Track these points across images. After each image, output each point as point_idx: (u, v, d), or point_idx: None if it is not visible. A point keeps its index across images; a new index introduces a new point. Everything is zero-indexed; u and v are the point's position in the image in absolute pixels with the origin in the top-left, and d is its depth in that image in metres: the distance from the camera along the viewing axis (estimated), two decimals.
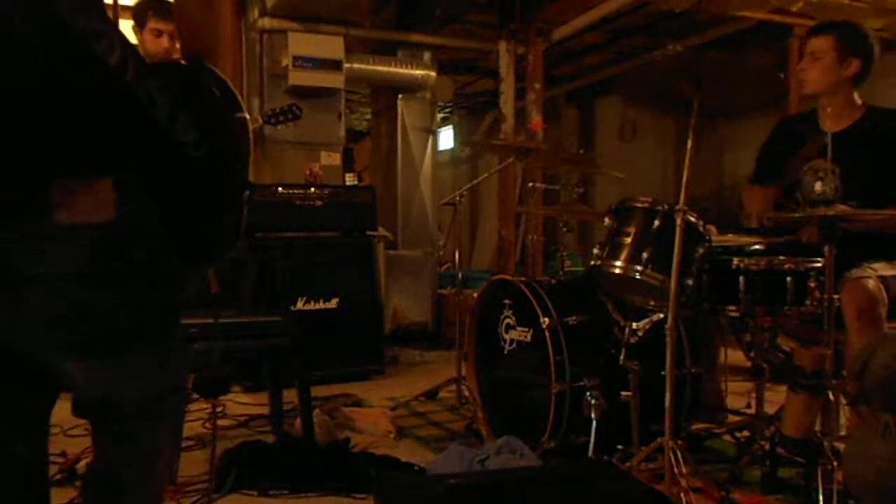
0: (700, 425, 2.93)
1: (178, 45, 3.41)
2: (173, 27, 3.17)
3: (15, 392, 1.17)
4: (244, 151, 1.24)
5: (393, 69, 5.52)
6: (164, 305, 1.24)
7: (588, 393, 2.52)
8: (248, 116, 1.24)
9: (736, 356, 3.03)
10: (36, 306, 1.09)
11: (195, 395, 2.48)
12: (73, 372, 1.17)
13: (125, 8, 3.48)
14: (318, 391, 3.17)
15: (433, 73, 5.66)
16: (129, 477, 1.26)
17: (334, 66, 4.88)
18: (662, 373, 2.27)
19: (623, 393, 2.48)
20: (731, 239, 2.71)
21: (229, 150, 1.20)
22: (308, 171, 4.41)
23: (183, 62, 1.22)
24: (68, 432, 2.70)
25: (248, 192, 1.25)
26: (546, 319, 2.56)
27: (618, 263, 2.44)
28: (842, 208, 2.24)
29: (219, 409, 3.41)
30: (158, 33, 3.21)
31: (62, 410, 1.30)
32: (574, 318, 2.61)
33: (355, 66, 5.26)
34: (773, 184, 2.78)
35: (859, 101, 2.69)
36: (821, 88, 2.68)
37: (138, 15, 3.27)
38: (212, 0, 1.19)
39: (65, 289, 1.09)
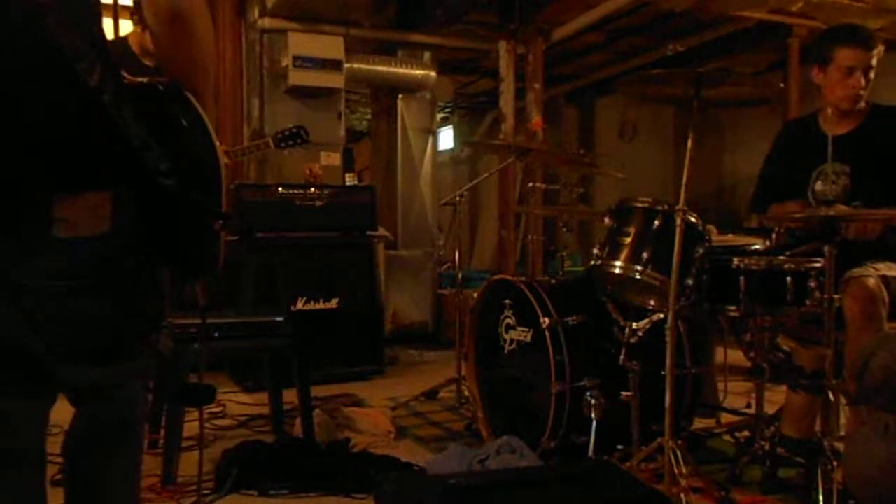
0: (700, 425, 2.93)
1: None
2: None
3: (15, 391, 1.18)
4: (216, 182, 1.25)
5: (393, 69, 5.51)
6: (150, 312, 1.29)
7: (588, 393, 2.52)
8: (219, 145, 1.25)
9: (736, 356, 3.03)
10: (33, 315, 1.12)
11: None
12: (67, 375, 1.21)
13: (125, 8, 3.48)
14: (318, 391, 3.17)
15: (433, 73, 5.66)
16: (115, 464, 1.37)
17: (334, 66, 4.89)
18: (662, 373, 2.27)
19: (623, 393, 2.48)
20: (731, 239, 2.71)
21: (200, 180, 1.22)
22: (308, 171, 4.41)
23: (161, 87, 1.23)
24: None
25: (220, 222, 1.25)
26: (546, 319, 2.56)
27: (618, 263, 2.44)
28: (842, 208, 2.24)
29: (219, 410, 3.41)
30: None
31: (62, 411, 1.31)
32: (574, 318, 2.61)
33: (355, 66, 5.26)
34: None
35: (864, 102, 2.69)
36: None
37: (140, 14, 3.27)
38: (188, 29, 1.19)
39: (61, 299, 1.13)
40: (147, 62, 3.39)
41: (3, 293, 1.10)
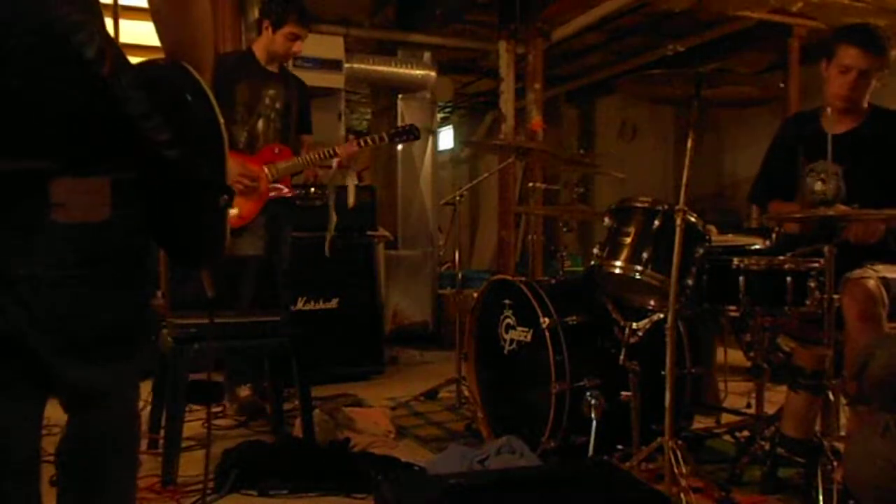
0: (700, 425, 2.93)
1: (295, 49, 3.42)
2: (307, 33, 3.34)
3: (6, 390, 1.16)
4: (219, 156, 1.21)
5: (393, 69, 5.52)
6: (146, 304, 1.27)
7: (588, 393, 2.52)
8: (222, 120, 1.21)
9: (736, 356, 3.03)
10: (27, 305, 1.09)
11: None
12: (64, 373, 1.17)
13: (126, 8, 3.48)
14: (318, 391, 3.16)
15: (433, 73, 5.66)
16: (108, 459, 1.31)
17: (334, 66, 4.88)
18: (662, 373, 2.27)
19: (623, 393, 2.48)
20: (731, 239, 2.71)
21: (203, 152, 1.19)
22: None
23: (161, 62, 1.21)
24: None
25: (225, 196, 1.21)
26: (546, 319, 2.56)
27: (618, 263, 2.44)
28: (841, 208, 2.24)
29: (219, 410, 3.41)
30: (294, 37, 3.36)
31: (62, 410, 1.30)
32: (574, 318, 2.61)
33: (355, 66, 5.26)
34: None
35: (865, 103, 2.68)
36: (861, 103, 2.64)
37: (278, 15, 3.34)
38: (187, 5, 1.18)
39: (56, 288, 1.10)
40: (272, 69, 3.48)
41: None
